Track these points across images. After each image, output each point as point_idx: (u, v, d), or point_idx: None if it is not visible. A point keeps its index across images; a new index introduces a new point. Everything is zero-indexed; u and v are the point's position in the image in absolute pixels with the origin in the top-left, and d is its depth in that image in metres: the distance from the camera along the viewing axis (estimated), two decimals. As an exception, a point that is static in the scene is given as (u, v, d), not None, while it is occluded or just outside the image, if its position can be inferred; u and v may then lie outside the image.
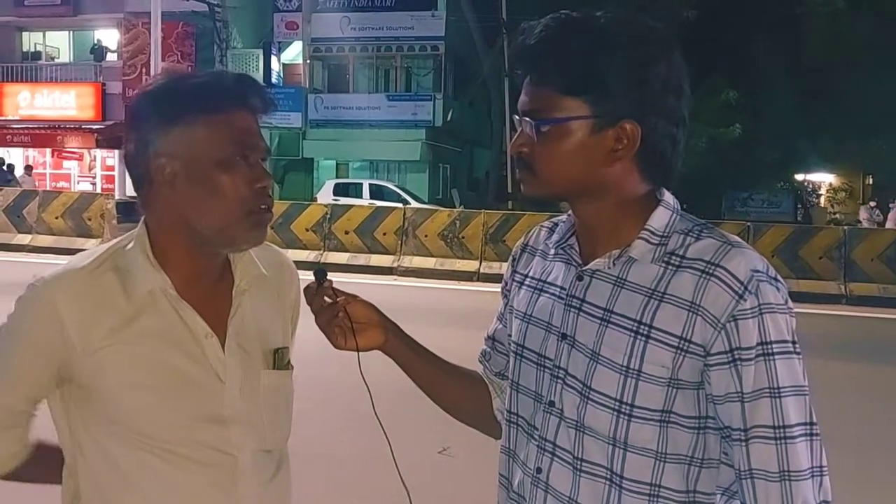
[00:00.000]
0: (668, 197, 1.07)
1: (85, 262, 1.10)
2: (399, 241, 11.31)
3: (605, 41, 0.99)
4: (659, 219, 1.04)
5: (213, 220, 1.07)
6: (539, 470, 1.07)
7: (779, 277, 1.00)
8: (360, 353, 1.15)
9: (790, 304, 0.99)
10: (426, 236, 11.23)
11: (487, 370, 1.25)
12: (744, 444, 0.96)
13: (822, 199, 28.10)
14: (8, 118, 23.46)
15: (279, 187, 23.66)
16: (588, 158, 1.01)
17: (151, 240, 1.11)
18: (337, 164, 23.88)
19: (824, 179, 28.28)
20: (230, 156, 1.07)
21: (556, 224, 1.16)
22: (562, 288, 1.08)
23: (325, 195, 19.41)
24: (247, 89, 1.10)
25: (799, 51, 20.61)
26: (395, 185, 20.70)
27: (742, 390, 0.96)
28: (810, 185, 27.59)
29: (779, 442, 0.95)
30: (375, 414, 1.15)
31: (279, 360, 1.18)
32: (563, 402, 1.05)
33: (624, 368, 1.00)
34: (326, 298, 1.12)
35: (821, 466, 0.97)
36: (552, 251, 1.13)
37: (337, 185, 20.42)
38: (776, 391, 0.95)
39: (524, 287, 1.16)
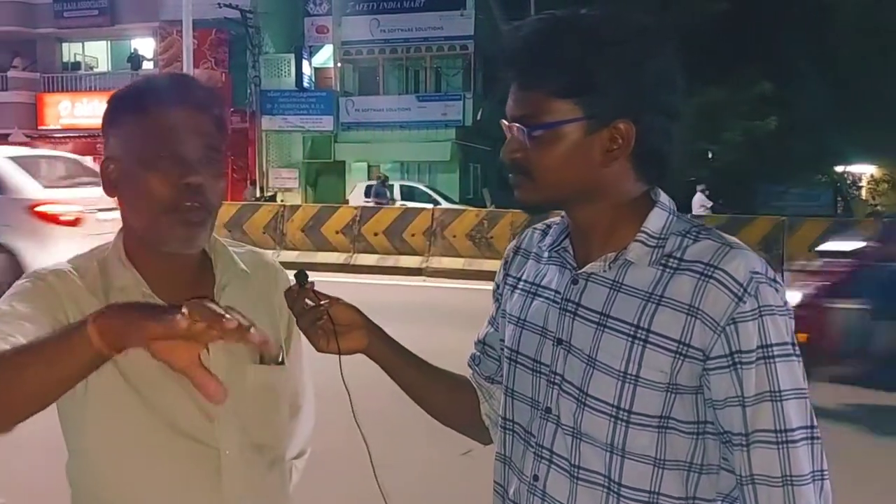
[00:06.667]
0: (663, 198, 1.05)
1: (71, 264, 1.14)
2: (427, 242, 11.33)
3: (595, 40, 0.97)
4: (655, 221, 1.02)
5: (140, 218, 1.10)
6: (536, 478, 1.05)
7: (778, 279, 0.98)
8: (344, 357, 1.14)
9: (789, 305, 0.97)
10: (454, 237, 11.23)
11: (477, 374, 1.23)
12: (745, 448, 0.94)
13: (864, 191, 27.41)
14: (50, 127, 24.10)
15: (312, 190, 23.90)
16: (584, 160, 0.99)
17: (125, 241, 1.15)
18: (368, 166, 24.01)
19: (865, 171, 27.58)
20: (152, 153, 1.07)
21: (549, 226, 1.14)
22: (556, 292, 1.06)
23: (357, 197, 19.54)
24: (178, 87, 1.11)
25: (834, 40, 20.13)
26: (426, 186, 20.74)
27: (743, 394, 0.94)
28: (850, 177, 26.92)
29: (781, 446, 0.93)
30: (354, 416, 1.14)
31: (266, 355, 1.17)
32: (560, 408, 1.03)
33: (621, 374, 0.98)
34: (308, 301, 1.11)
35: (822, 470, 0.95)
36: (546, 254, 1.11)
37: (368, 188, 20.52)
38: (777, 394, 0.93)
39: (517, 291, 1.14)
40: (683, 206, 15.79)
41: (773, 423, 0.93)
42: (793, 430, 0.93)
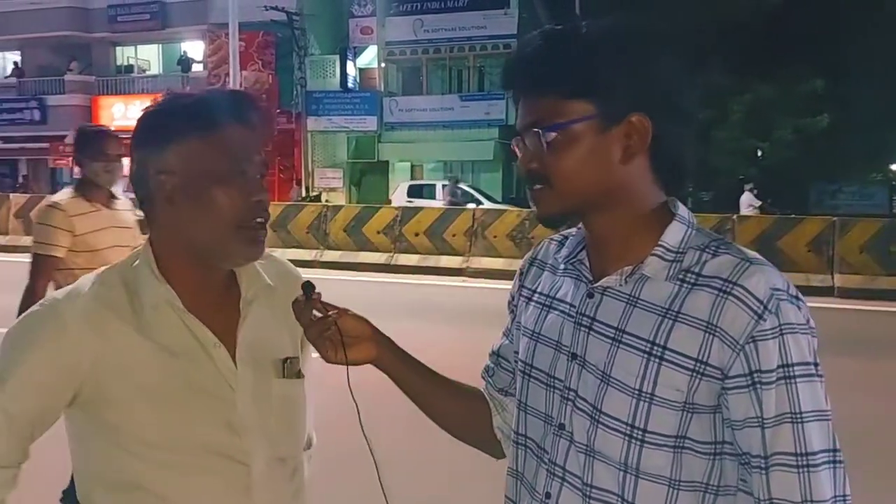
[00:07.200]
0: (682, 211, 1.03)
1: (93, 280, 1.14)
2: (468, 243, 11.33)
3: (601, 42, 0.97)
4: (673, 234, 1.00)
5: (208, 234, 1.09)
6: (548, 495, 1.03)
7: (800, 296, 0.95)
8: (353, 367, 1.13)
9: (812, 323, 0.94)
10: (495, 237, 11.20)
11: (490, 386, 1.22)
12: (764, 471, 0.91)
13: (921, 190, 26.40)
14: (104, 129, 24.80)
15: (356, 190, 24.12)
16: (602, 159, 0.98)
17: (156, 255, 1.14)
18: (412, 166, 24.13)
19: (923, 169, 26.55)
20: (225, 170, 1.08)
21: (565, 237, 1.13)
22: (571, 305, 1.05)
23: (400, 197, 19.66)
24: (241, 105, 1.12)
25: (887, 34, 19.42)
26: (469, 186, 20.74)
27: (762, 415, 0.91)
28: (906, 175, 25.98)
29: (801, 470, 0.90)
30: (362, 428, 1.13)
31: (288, 369, 1.18)
32: (574, 425, 1.01)
33: (636, 392, 0.96)
34: (316, 312, 1.11)
35: (844, 496, 0.92)
36: (562, 266, 1.10)
37: (411, 187, 20.63)
38: (798, 416, 0.90)
39: (532, 303, 1.12)
40: (732, 205, 15.55)
41: (793, 446, 0.90)
42: (814, 453, 0.90)
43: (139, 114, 1.15)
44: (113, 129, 3.54)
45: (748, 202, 15.30)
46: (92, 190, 3.12)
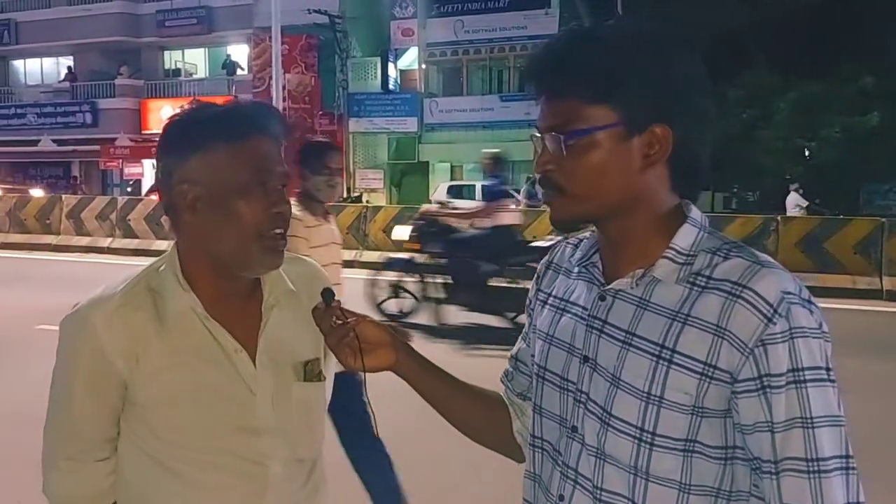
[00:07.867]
0: (695, 213, 1.03)
1: (121, 284, 1.16)
2: (507, 243, 11.30)
3: (624, 45, 0.97)
4: (685, 237, 1.00)
5: (229, 244, 1.11)
6: (561, 497, 1.04)
7: (812, 300, 0.94)
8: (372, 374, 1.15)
9: (825, 328, 0.93)
10: (534, 237, 11.15)
11: (509, 391, 1.22)
12: (774, 477, 0.91)
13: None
14: (153, 132, 25.41)
15: (396, 191, 24.25)
16: (621, 168, 0.97)
17: (181, 262, 1.16)
18: (452, 167, 24.16)
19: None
20: (248, 181, 1.10)
21: (580, 241, 1.13)
22: (584, 308, 1.05)
23: (439, 197, 19.68)
24: (265, 116, 1.14)
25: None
26: (508, 186, 20.65)
27: (772, 420, 0.90)
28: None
29: (812, 476, 0.89)
30: (376, 433, 1.16)
31: (309, 371, 1.20)
32: (585, 428, 1.02)
33: (645, 394, 0.96)
34: (336, 319, 1.13)
35: (857, 503, 0.90)
36: (575, 269, 1.10)
37: (450, 188, 20.65)
38: (809, 421, 0.89)
39: (547, 306, 1.13)
40: (778, 205, 15.13)
41: (804, 451, 0.89)
42: (825, 459, 0.89)
43: (165, 121, 1.17)
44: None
45: (795, 202, 14.96)
46: (312, 204, 2.99)
